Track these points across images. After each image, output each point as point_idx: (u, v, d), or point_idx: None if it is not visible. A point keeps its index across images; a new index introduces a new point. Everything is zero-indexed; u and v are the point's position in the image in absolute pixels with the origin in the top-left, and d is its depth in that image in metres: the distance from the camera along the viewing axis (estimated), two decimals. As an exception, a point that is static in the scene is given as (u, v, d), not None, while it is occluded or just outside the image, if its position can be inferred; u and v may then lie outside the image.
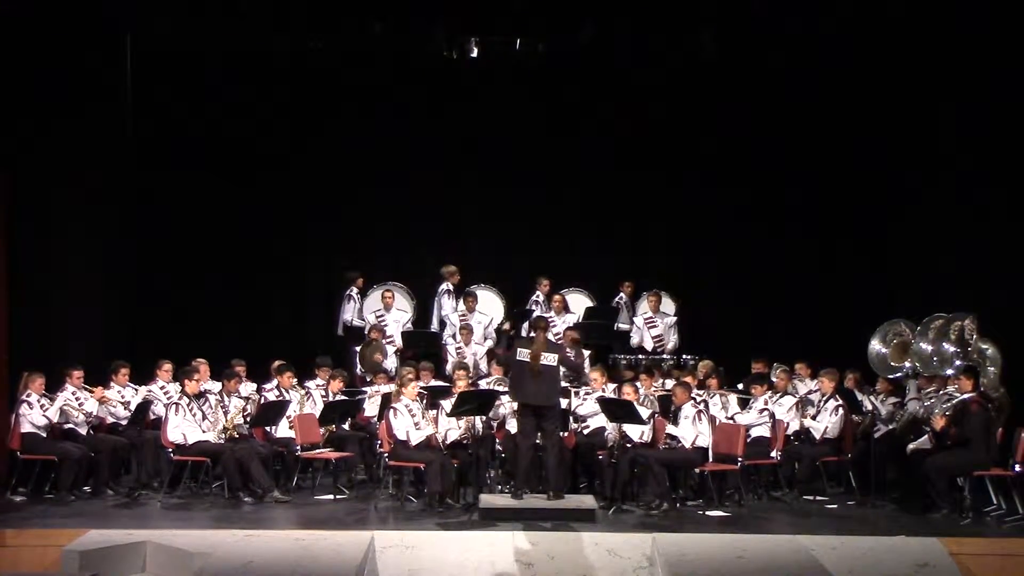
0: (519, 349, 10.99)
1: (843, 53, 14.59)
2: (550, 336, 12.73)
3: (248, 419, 11.85)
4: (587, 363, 13.09)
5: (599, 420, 11.62)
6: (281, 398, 12.23)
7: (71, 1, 12.93)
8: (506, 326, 13.49)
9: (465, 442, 11.35)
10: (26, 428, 11.32)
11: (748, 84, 15.37)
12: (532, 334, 11.41)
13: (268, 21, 14.33)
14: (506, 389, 11.81)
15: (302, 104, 15.60)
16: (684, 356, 13.91)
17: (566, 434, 11.49)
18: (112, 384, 12.17)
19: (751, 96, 15.38)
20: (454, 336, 14.30)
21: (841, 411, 11.62)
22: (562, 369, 11.29)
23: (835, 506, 11.37)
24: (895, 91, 14.36)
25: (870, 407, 12.01)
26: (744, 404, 12.07)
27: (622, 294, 15.06)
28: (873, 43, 14.26)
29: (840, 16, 13.81)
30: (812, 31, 14.30)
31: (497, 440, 11.86)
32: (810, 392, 12.24)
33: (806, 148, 15.31)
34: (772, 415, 11.71)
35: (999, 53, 12.45)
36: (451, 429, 11.40)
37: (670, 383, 12.24)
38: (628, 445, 11.16)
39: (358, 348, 14.19)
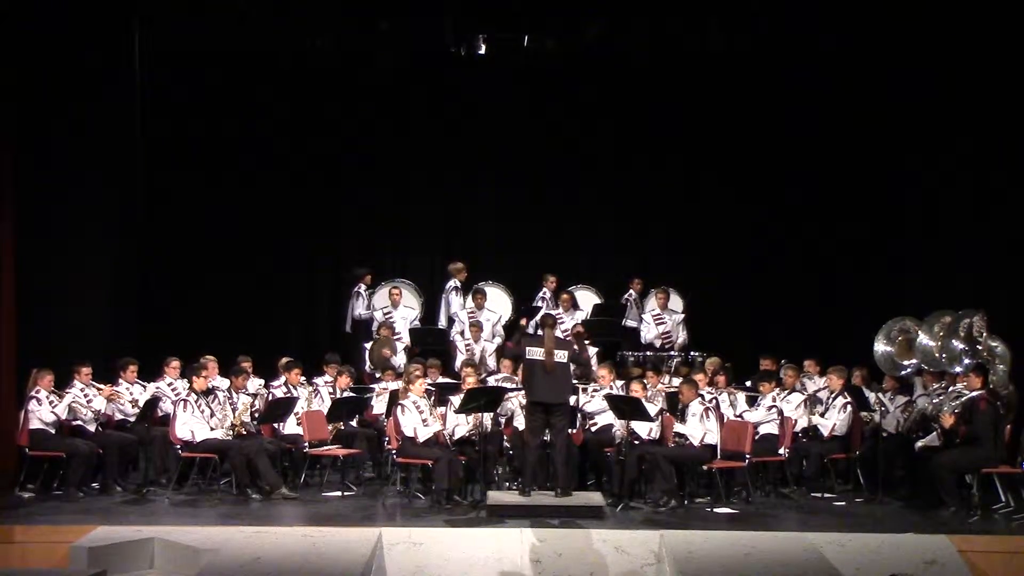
0: (528, 348, 10.98)
1: (844, 52, 14.60)
2: (558, 333, 12.75)
3: (256, 416, 11.88)
4: (594, 360, 13.10)
5: (607, 417, 11.62)
6: (289, 395, 12.24)
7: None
8: (523, 321, 13.51)
9: (473, 439, 11.35)
10: (35, 425, 11.34)
11: (752, 83, 15.37)
12: (540, 332, 11.39)
13: (275, 20, 14.35)
14: (514, 385, 11.81)
15: (309, 103, 15.63)
16: (692, 353, 13.90)
17: (574, 431, 11.49)
18: (121, 381, 12.21)
19: (755, 95, 15.38)
20: (462, 333, 14.32)
21: (849, 408, 11.62)
22: (571, 366, 11.29)
23: (843, 503, 11.33)
24: (898, 89, 14.35)
25: (878, 404, 12.00)
26: (752, 401, 12.06)
27: (631, 291, 15.06)
28: (874, 43, 14.26)
29: (841, 15, 13.83)
30: (812, 30, 14.30)
31: (505, 437, 11.85)
32: (818, 389, 12.22)
33: (810, 147, 15.31)
34: (780, 412, 11.69)
35: (1002, 53, 12.45)
36: (459, 425, 11.41)
37: (678, 380, 12.23)
38: (636, 442, 11.17)
39: (367, 345, 14.20)
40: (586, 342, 13.35)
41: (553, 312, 13.76)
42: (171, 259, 15.21)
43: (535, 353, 10.88)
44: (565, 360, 10.93)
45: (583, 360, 11.78)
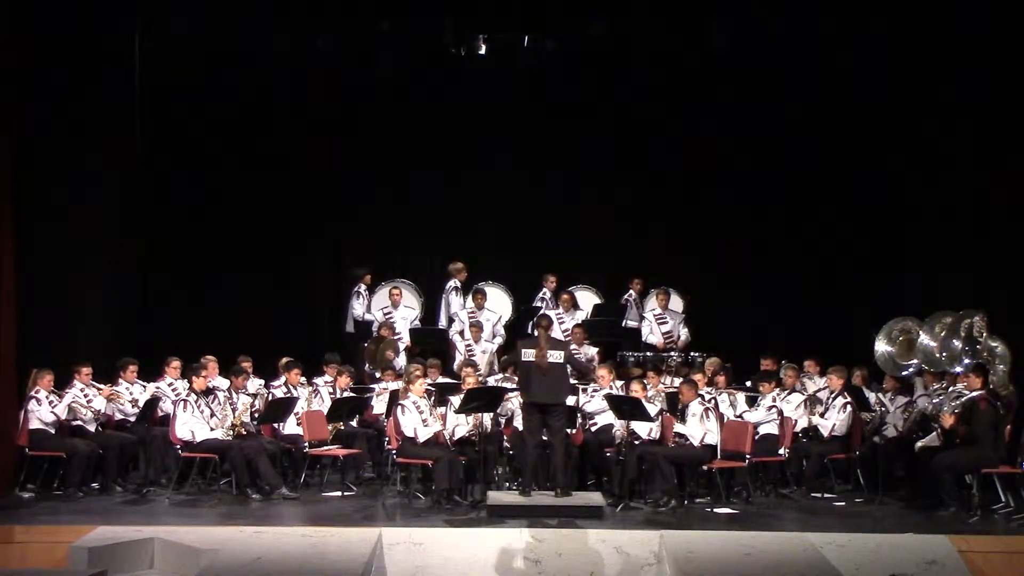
0: (523, 349, 10.97)
1: (844, 52, 14.59)
2: (555, 334, 12.77)
3: (256, 416, 11.88)
4: (596, 360, 13.12)
5: (607, 417, 11.63)
6: (289, 395, 12.24)
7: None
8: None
9: (473, 439, 11.35)
10: (34, 425, 11.36)
11: (752, 83, 15.35)
12: (536, 332, 11.39)
13: (275, 20, 14.34)
14: (514, 386, 11.81)
15: (309, 102, 15.61)
16: (692, 354, 13.88)
17: (574, 431, 11.48)
18: (121, 381, 12.22)
19: (755, 95, 15.36)
20: (462, 333, 14.31)
21: (849, 408, 11.62)
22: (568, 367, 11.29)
23: (843, 503, 11.34)
24: (898, 89, 14.35)
25: (878, 405, 12.02)
26: (752, 401, 12.07)
27: (631, 291, 15.05)
28: (875, 42, 14.26)
29: (841, 15, 13.84)
30: (812, 30, 14.30)
31: (505, 437, 11.85)
32: (819, 390, 12.22)
33: (810, 146, 15.30)
34: (780, 412, 11.70)
35: (1002, 52, 12.44)
36: (459, 426, 11.41)
37: (678, 381, 12.23)
38: (636, 442, 11.17)
39: (367, 345, 14.20)
40: (586, 342, 13.43)
41: (553, 312, 13.78)
42: (171, 259, 15.19)
43: (530, 354, 10.87)
44: (561, 360, 10.91)
45: (579, 363, 11.77)
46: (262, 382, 12.75)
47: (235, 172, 15.46)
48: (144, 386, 12.37)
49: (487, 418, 11.25)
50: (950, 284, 13.02)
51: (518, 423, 11.46)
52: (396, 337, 14.28)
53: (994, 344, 11.01)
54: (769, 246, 15.51)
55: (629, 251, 15.84)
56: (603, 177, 15.87)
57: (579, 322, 13.99)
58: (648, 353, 14.10)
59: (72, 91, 12.90)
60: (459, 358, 13.78)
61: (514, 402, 11.63)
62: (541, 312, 13.16)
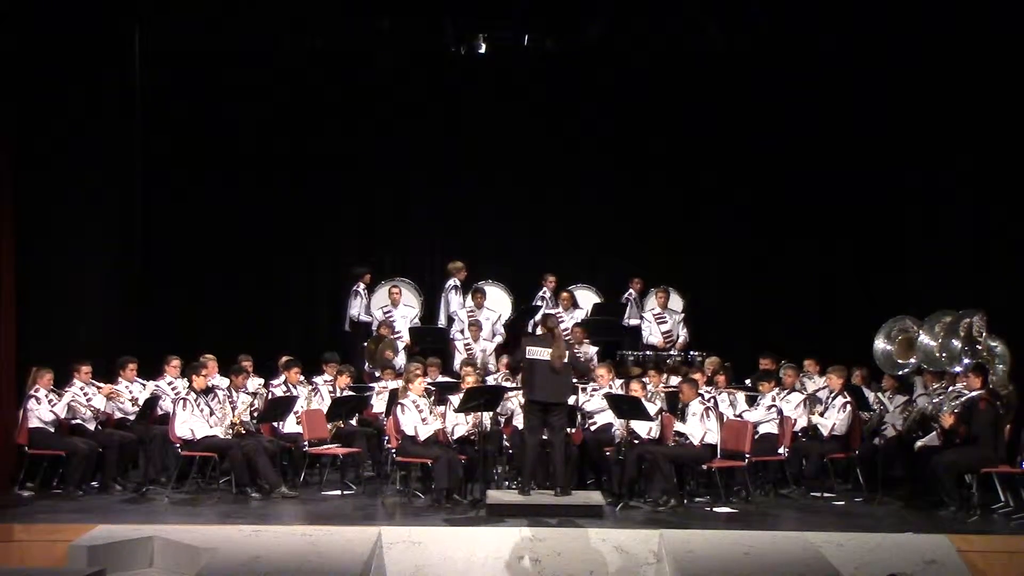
0: (530, 348, 10.94)
1: (845, 51, 14.60)
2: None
3: (255, 415, 11.87)
4: (595, 359, 13.13)
5: (606, 416, 11.63)
6: (288, 394, 12.23)
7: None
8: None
9: (473, 438, 11.34)
10: (34, 423, 11.35)
11: (752, 83, 15.36)
12: (540, 331, 11.36)
13: (275, 20, 14.35)
14: (513, 385, 11.80)
15: (309, 103, 15.61)
16: (692, 353, 13.90)
17: (573, 430, 11.48)
18: (120, 379, 12.21)
19: (755, 95, 15.37)
20: (462, 332, 14.32)
21: (849, 408, 11.61)
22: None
23: (842, 503, 11.34)
24: (897, 89, 14.35)
25: (878, 404, 12.01)
26: (752, 401, 12.06)
27: (631, 290, 15.06)
28: (875, 41, 14.27)
29: (841, 14, 13.85)
30: (813, 29, 14.31)
31: (505, 436, 11.84)
32: (818, 389, 12.22)
33: (810, 146, 15.30)
34: (780, 412, 11.70)
35: (1003, 51, 12.45)
36: (458, 425, 11.40)
37: (677, 380, 12.23)
38: (635, 441, 11.16)
39: (367, 344, 14.20)
40: (586, 341, 13.43)
41: (553, 311, 13.77)
42: (171, 259, 15.19)
43: (537, 352, 10.84)
44: (567, 360, 10.91)
45: (581, 366, 11.76)
46: (262, 381, 12.76)
47: (235, 172, 15.46)
48: (144, 384, 12.36)
49: (487, 417, 11.23)
50: (950, 284, 13.02)
51: (518, 422, 11.46)
52: (396, 336, 14.29)
53: (994, 344, 11.01)
54: (769, 245, 15.51)
55: (629, 251, 15.85)
56: (603, 177, 15.87)
57: (579, 321, 13.99)
58: (648, 352, 14.11)
59: (72, 91, 12.89)
60: (459, 357, 13.78)
61: (514, 401, 11.63)
62: (545, 312, 13.15)
